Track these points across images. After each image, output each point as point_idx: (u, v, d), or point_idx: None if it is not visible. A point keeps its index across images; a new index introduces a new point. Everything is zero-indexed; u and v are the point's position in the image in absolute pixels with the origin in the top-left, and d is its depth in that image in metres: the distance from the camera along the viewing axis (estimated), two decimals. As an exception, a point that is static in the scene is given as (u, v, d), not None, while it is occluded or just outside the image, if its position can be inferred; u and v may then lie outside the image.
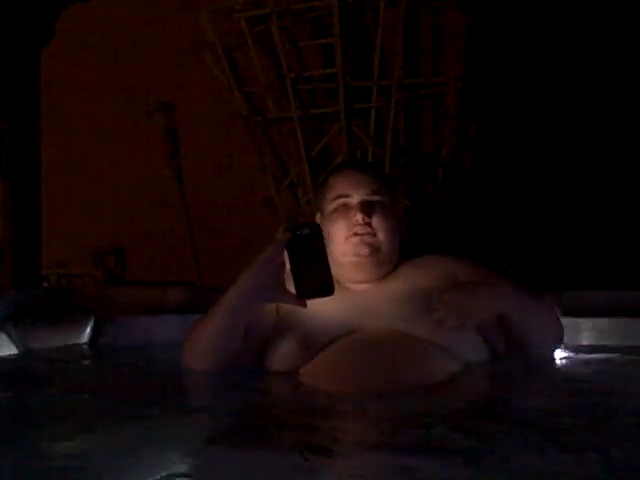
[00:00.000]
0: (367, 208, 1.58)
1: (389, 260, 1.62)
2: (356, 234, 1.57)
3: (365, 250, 1.57)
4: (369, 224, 1.57)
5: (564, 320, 1.69)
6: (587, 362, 1.70)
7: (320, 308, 1.48)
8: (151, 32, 3.59)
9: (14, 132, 3.09)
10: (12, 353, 1.77)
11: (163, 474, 0.92)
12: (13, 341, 1.79)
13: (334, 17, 2.99)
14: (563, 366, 1.65)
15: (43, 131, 3.40)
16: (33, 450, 1.04)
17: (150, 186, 3.62)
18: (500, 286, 1.59)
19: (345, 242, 1.58)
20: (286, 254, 1.40)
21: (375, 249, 1.58)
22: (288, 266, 1.40)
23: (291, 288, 1.41)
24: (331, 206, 1.62)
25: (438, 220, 3.22)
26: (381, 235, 1.58)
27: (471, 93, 3.23)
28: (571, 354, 1.74)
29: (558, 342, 1.65)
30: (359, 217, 1.57)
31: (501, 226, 3.15)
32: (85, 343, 1.91)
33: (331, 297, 1.42)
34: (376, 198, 1.60)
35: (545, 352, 1.62)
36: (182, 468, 0.96)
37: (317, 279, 1.39)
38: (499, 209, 3.19)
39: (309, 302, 1.42)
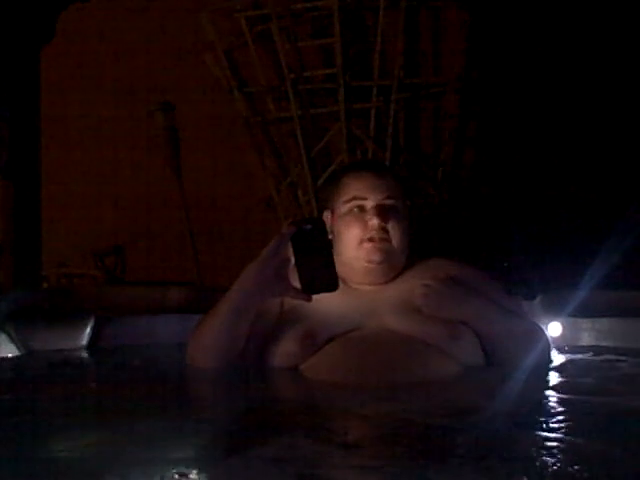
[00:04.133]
0: (383, 213, 1.55)
1: (399, 265, 1.61)
2: (371, 239, 1.56)
3: (378, 257, 1.56)
4: (384, 229, 1.56)
5: (564, 320, 1.68)
6: (587, 362, 1.70)
7: (323, 306, 1.48)
8: (151, 32, 3.59)
9: (14, 132, 3.08)
10: (12, 353, 1.77)
11: (165, 473, 0.93)
12: (13, 341, 1.78)
13: (334, 17, 3.00)
14: (562, 366, 1.65)
15: (43, 131, 3.40)
16: (33, 450, 1.04)
17: (150, 186, 3.62)
18: (470, 295, 1.58)
19: (358, 247, 1.56)
20: (291, 249, 1.39)
21: (388, 255, 1.56)
22: (293, 261, 1.40)
23: (296, 283, 1.41)
24: (345, 207, 1.59)
25: (438, 220, 3.22)
26: (394, 240, 1.57)
27: (471, 93, 3.23)
28: (571, 354, 1.74)
29: (533, 356, 1.57)
30: (375, 222, 1.54)
31: (501, 226, 3.15)
32: (85, 343, 1.90)
33: (335, 295, 1.42)
34: (392, 203, 1.57)
35: (514, 363, 1.52)
36: (183, 467, 0.96)
37: (322, 274, 1.39)
38: (499, 209, 3.19)
39: (313, 298, 1.42)
